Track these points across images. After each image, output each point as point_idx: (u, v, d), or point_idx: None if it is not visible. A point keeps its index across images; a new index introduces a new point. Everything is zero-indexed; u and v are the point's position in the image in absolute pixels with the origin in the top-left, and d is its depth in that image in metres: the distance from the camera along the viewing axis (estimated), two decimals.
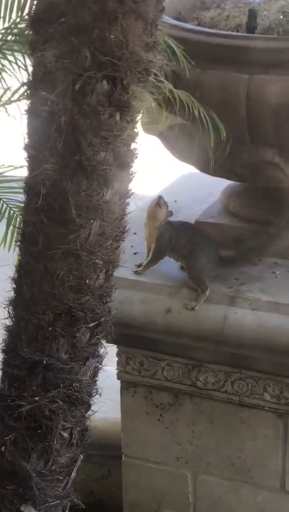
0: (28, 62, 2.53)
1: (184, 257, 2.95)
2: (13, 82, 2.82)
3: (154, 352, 3.05)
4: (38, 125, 2.24)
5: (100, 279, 2.35)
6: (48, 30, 2.18)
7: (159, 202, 2.91)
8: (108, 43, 2.16)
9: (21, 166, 2.49)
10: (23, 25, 2.74)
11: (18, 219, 2.92)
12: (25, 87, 2.32)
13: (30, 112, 2.26)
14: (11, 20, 2.79)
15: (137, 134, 2.32)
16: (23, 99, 2.39)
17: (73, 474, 2.43)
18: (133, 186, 2.39)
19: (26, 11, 2.71)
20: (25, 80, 2.34)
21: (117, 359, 3.11)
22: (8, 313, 2.42)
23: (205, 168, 3.05)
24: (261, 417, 3.00)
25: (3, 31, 2.82)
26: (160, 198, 2.92)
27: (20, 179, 2.46)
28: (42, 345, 2.35)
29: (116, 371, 3.13)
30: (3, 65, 2.81)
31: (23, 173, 2.38)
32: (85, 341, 2.37)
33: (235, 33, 2.98)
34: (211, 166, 2.90)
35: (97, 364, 2.44)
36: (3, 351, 2.44)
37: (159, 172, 4.88)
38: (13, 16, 2.78)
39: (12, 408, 2.38)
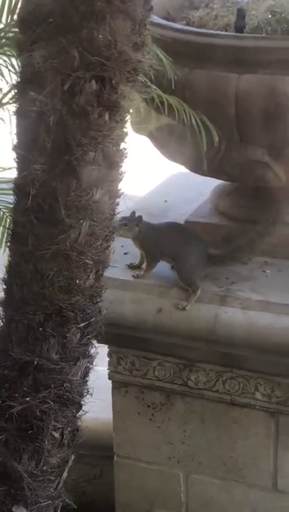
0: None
1: (173, 258, 2.95)
2: (2, 84, 2.82)
3: (146, 352, 3.06)
4: (27, 125, 2.24)
5: (90, 279, 2.35)
6: (35, 30, 2.18)
7: (121, 224, 2.87)
8: (96, 42, 2.15)
9: (10, 168, 2.48)
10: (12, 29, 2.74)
11: (8, 220, 2.92)
12: (14, 88, 2.32)
13: (19, 113, 2.26)
14: (1, 24, 2.79)
15: (126, 133, 2.32)
16: (13, 102, 2.38)
17: (65, 474, 2.43)
18: (123, 186, 2.38)
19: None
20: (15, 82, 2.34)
21: (108, 359, 3.11)
22: None
23: (195, 167, 3.05)
24: (253, 416, 3.00)
25: None
26: (122, 219, 2.87)
27: (9, 180, 2.45)
28: (32, 346, 2.34)
29: (107, 371, 3.13)
30: None
31: (13, 174, 2.38)
32: (76, 341, 2.37)
33: (223, 33, 2.98)
34: (201, 166, 2.91)
35: (88, 364, 2.43)
36: None
37: (149, 172, 4.88)
38: (3, 19, 2.78)
39: (3, 409, 2.37)
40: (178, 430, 3.12)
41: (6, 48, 2.74)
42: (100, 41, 2.15)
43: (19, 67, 2.29)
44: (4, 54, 2.73)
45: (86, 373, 2.44)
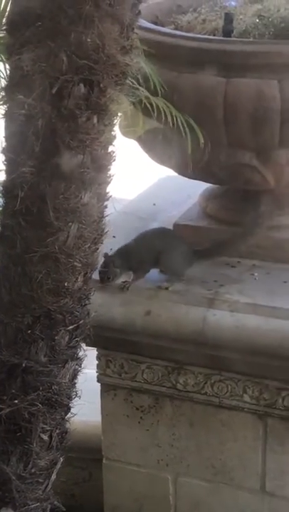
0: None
1: (157, 263, 2.97)
2: None
3: (134, 355, 3.06)
4: (15, 128, 2.24)
5: (78, 281, 2.35)
6: (24, 33, 2.18)
7: (106, 280, 2.94)
8: (85, 46, 2.16)
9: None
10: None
11: None
12: (3, 91, 2.33)
13: (8, 116, 2.26)
14: None
15: (114, 137, 2.33)
16: (1, 104, 2.39)
17: (53, 477, 2.43)
18: (111, 189, 2.39)
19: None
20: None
21: (96, 362, 3.12)
22: None
23: (183, 171, 3.07)
24: (241, 419, 3.01)
25: None
26: (102, 273, 2.93)
27: None
28: (21, 348, 2.34)
29: (96, 374, 3.13)
30: None
31: (2, 177, 2.39)
32: (64, 344, 2.37)
33: (211, 37, 2.99)
34: (189, 170, 2.92)
35: (77, 367, 2.43)
36: None
37: (137, 175, 4.89)
38: None
39: None
40: (166, 433, 3.12)
41: None
42: (88, 45, 2.16)
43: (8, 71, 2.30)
44: None
45: (74, 376, 2.44)
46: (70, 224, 2.28)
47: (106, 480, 3.28)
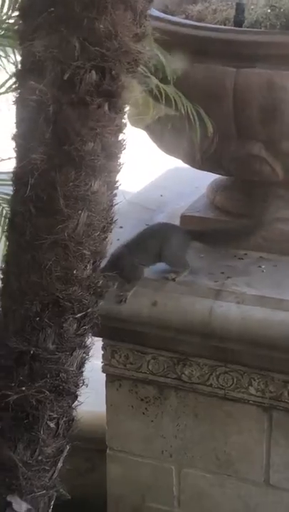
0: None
1: (158, 257, 2.95)
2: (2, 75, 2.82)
3: (140, 345, 3.05)
4: (26, 115, 2.24)
5: (87, 269, 2.35)
6: (37, 19, 2.18)
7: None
8: (97, 33, 2.16)
9: (9, 158, 2.48)
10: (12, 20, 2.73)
11: (5, 211, 2.92)
12: (14, 77, 2.32)
13: (19, 102, 2.26)
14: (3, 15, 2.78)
15: (125, 124, 2.33)
16: (11, 91, 2.38)
17: (59, 465, 2.43)
18: (121, 178, 2.39)
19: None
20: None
21: (102, 352, 3.11)
22: None
23: (191, 161, 3.06)
24: (246, 411, 3.00)
25: None
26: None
27: (7, 172, 2.45)
28: (29, 336, 2.34)
29: (101, 364, 3.13)
30: None
31: (11, 166, 2.38)
32: (72, 332, 2.37)
33: (222, 27, 2.98)
34: (197, 160, 2.91)
35: (84, 355, 2.44)
36: None
37: (145, 166, 4.88)
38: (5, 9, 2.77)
39: None
40: (171, 424, 3.12)
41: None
42: (100, 31, 2.16)
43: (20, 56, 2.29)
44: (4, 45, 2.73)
45: (82, 364, 2.44)
46: (80, 211, 2.28)
47: (109, 470, 3.27)
